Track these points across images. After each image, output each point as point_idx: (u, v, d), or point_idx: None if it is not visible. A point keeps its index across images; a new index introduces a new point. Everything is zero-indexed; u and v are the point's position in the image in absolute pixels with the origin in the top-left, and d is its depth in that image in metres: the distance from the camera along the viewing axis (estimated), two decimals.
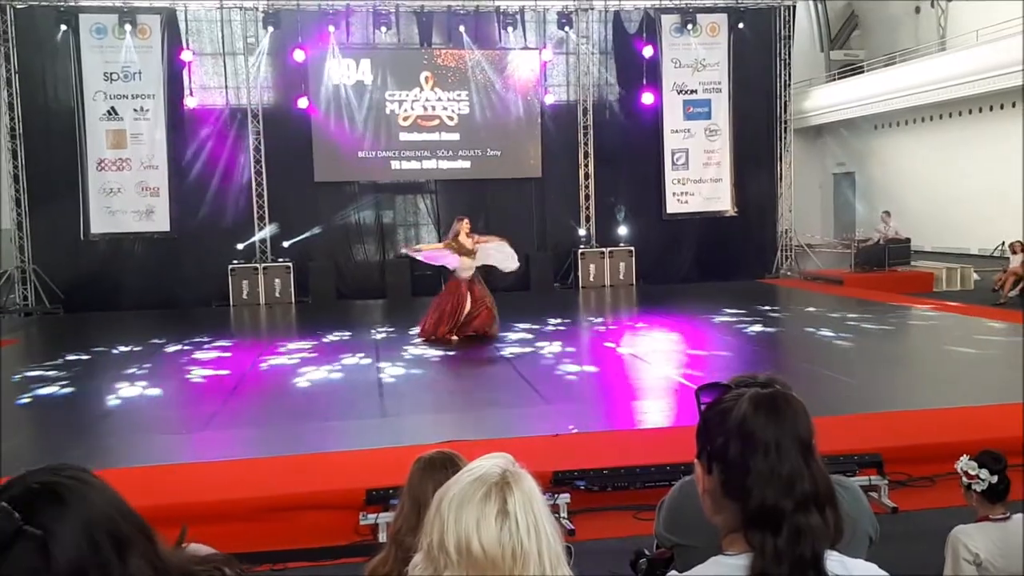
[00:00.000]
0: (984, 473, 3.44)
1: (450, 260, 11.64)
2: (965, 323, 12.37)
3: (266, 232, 17.16)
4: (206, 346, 11.79)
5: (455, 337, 11.39)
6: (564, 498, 5.36)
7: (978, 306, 13.77)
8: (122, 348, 11.72)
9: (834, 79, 24.03)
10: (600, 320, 14.17)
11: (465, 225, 11.59)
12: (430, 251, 12.37)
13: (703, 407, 1.47)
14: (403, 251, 12.16)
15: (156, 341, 12.16)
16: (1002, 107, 19.24)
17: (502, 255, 11.87)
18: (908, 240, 18.02)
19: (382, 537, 4.97)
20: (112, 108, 16.48)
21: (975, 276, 16.85)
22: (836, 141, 24.89)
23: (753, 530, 1.36)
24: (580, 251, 18.02)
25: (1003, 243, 15.53)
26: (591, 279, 17.96)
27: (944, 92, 19.03)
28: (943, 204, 20.30)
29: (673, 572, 1.50)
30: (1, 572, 1.11)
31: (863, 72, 23.12)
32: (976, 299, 14.83)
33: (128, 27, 16.22)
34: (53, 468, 1.22)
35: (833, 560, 1.38)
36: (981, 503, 3.50)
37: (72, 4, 16.35)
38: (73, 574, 1.13)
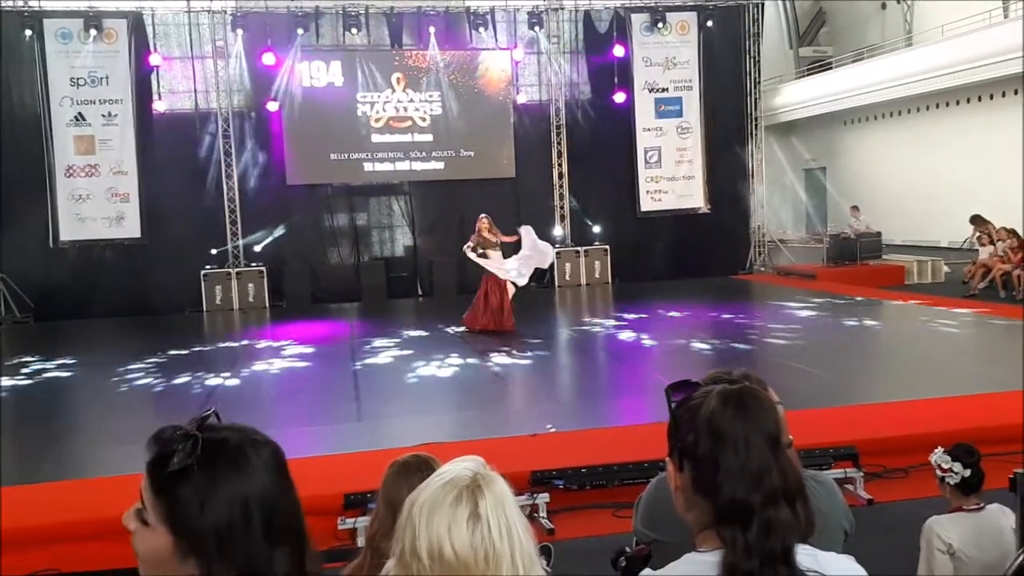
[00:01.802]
0: (958, 466, 3.48)
1: (494, 264, 12.14)
2: (937, 315, 12.51)
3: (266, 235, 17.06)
4: (185, 352, 11.68)
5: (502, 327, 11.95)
6: (543, 497, 5.36)
7: (949, 298, 13.93)
8: (99, 356, 11.57)
9: (803, 75, 24.24)
10: (579, 318, 14.18)
11: (486, 222, 12.22)
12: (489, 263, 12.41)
13: (673, 405, 1.46)
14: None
15: (132, 349, 12.03)
16: (968, 101, 19.48)
17: (540, 255, 12.50)
18: (879, 234, 18.20)
19: (360, 542, 4.94)
20: (79, 114, 16.27)
21: (945, 269, 17.05)
22: (806, 137, 25.10)
23: (724, 525, 1.37)
24: (556, 250, 18.02)
25: (973, 235, 15.75)
26: (567, 278, 18.00)
27: (911, 87, 19.24)
28: (913, 198, 20.53)
29: (647, 571, 1.49)
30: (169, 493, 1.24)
31: (832, 68, 23.32)
32: (947, 291, 15.00)
33: (94, 32, 16.02)
34: (250, 433, 1.33)
35: (804, 554, 1.38)
36: (955, 495, 3.54)
37: (36, 9, 16.12)
38: (217, 534, 1.23)
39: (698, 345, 10.93)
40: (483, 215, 12.51)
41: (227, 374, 10.03)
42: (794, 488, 1.39)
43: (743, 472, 1.37)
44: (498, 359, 10.35)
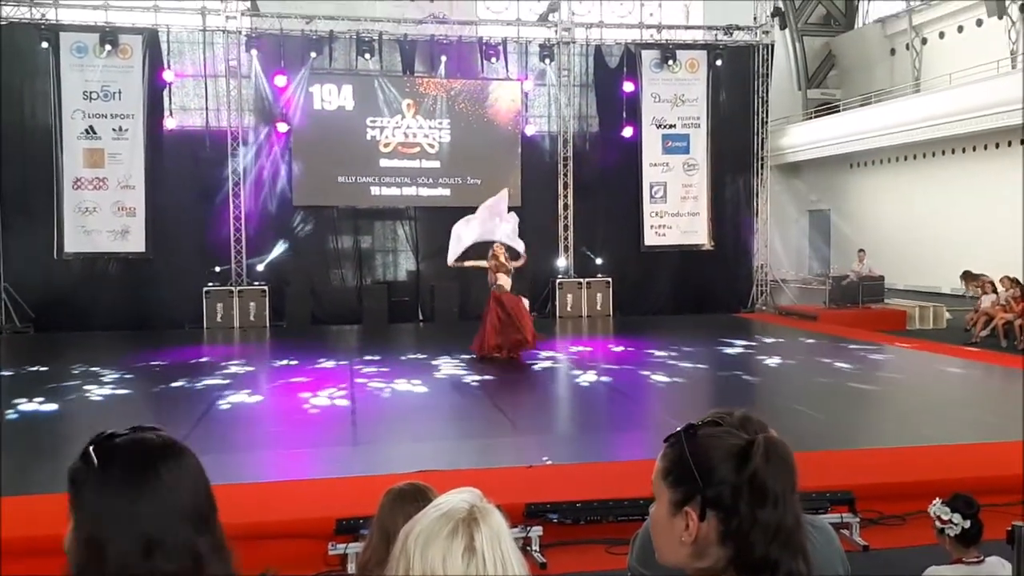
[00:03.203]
0: (957, 518, 3.45)
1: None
2: (937, 362, 12.47)
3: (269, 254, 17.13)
4: (182, 369, 11.65)
5: (501, 355, 12.08)
6: (536, 531, 5.32)
7: (950, 345, 13.88)
8: (93, 367, 11.55)
9: (811, 117, 24.38)
10: (577, 350, 14.15)
11: (502, 248, 12.51)
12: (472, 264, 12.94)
13: (689, 451, 1.40)
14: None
15: (130, 359, 12.01)
16: (974, 149, 19.58)
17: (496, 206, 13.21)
18: (882, 278, 18.20)
19: (351, 568, 4.90)
20: (90, 127, 16.37)
21: (947, 315, 17.04)
22: (812, 178, 25.19)
23: (746, 574, 1.35)
24: (558, 281, 18.06)
25: (967, 290, 15.80)
26: (568, 309, 17.99)
27: (918, 133, 19.35)
28: (917, 243, 20.57)
29: None
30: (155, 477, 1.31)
31: (839, 111, 23.48)
32: (948, 338, 14.96)
33: (109, 47, 16.16)
34: (156, 450, 1.37)
35: None
36: (955, 547, 3.51)
37: (53, 22, 16.28)
38: (188, 518, 1.32)
39: (696, 384, 10.89)
40: (497, 243, 12.64)
41: (226, 392, 10.00)
42: (802, 538, 1.39)
43: (780, 529, 1.35)
44: (493, 386, 10.32)
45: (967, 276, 15.61)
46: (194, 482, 1.36)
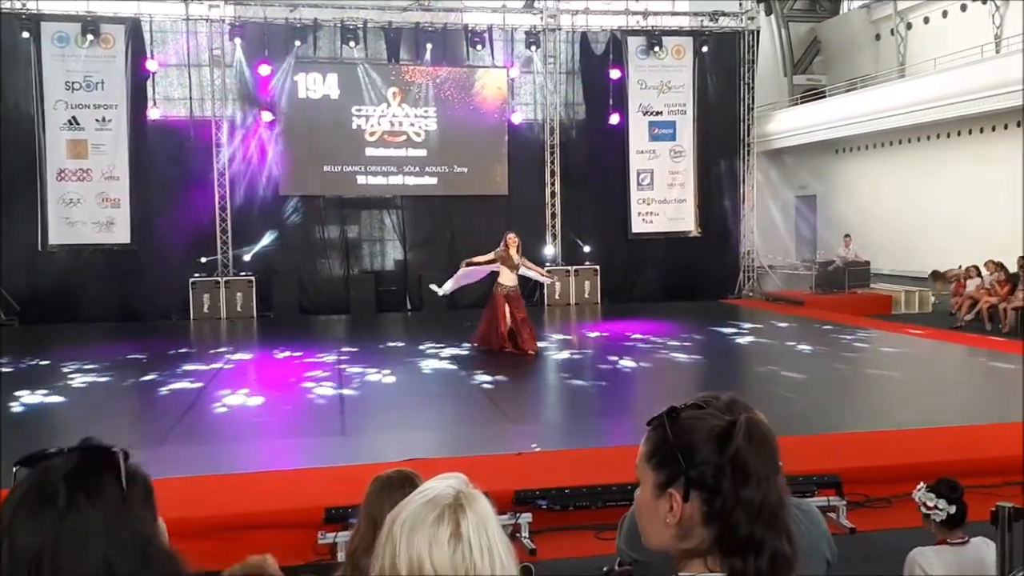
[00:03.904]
0: (942, 503, 3.48)
1: (482, 271, 12.15)
2: (923, 345, 12.56)
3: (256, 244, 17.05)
4: (169, 361, 11.61)
5: (507, 348, 11.81)
6: (526, 517, 5.34)
7: (935, 329, 14.00)
8: (83, 362, 11.49)
9: (797, 103, 24.39)
10: (566, 338, 14.17)
11: (514, 239, 11.99)
12: (475, 268, 12.32)
13: (672, 433, 1.40)
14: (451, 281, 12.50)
15: (119, 353, 11.96)
16: (959, 134, 19.64)
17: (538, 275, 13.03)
18: (868, 263, 18.30)
19: (341, 556, 4.91)
20: (73, 118, 16.23)
21: (932, 299, 17.15)
22: (798, 164, 25.21)
23: (732, 556, 1.35)
24: (546, 269, 18.03)
25: (959, 267, 15.90)
26: (556, 297, 18.00)
27: (903, 118, 19.38)
28: (902, 228, 20.64)
29: None
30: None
31: (825, 97, 23.50)
32: (933, 322, 15.08)
33: (91, 36, 16.01)
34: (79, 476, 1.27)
35: None
36: (940, 529, 3.54)
37: (34, 12, 16.11)
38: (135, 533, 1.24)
39: (683, 369, 10.94)
40: (512, 233, 12.17)
41: (213, 384, 9.98)
42: (787, 519, 1.40)
43: (763, 508, 1.36)
44: (483, 376, 10.33)
45: (935, 276, 15.80)
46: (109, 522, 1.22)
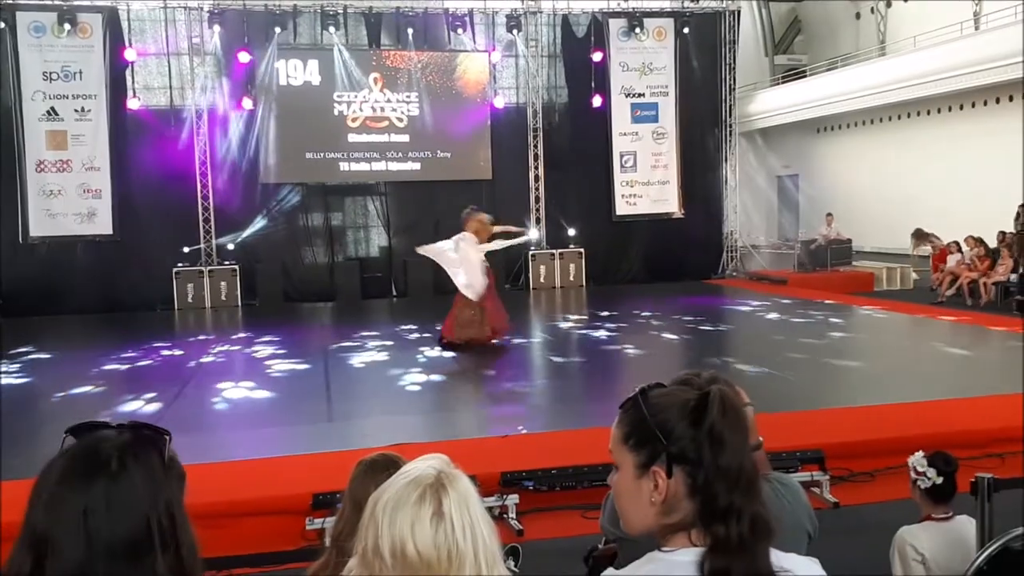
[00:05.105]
0: (931, 472, 3.52)
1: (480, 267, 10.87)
2: (904, 321, 12.67)
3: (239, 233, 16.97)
4: (151, 350, 11.57)
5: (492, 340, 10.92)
6: (513, 499, 5.38)
7: (917, 304, 14.12)
8: (65, 351, 11.44)
9: (778, 83, 24.44)
10: (552, 322, 14.20)
11: (485, 216, 11.19)
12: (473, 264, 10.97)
13: (649, 411, 1.43)
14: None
15: (100, 344, 11.91)
16: (939, 111, 19.74)
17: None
18: (849, 241, 18.42)
19: (329, 542, 4.93)
20: (52, 108, 16.08)
21: (914, 276, 17.29)
22: (780, 144, 25.30)
23: (715, 523, 1.38)
24: (531, 252, 18.07)
25: (915, 248, 16.12)
26: (541, 280, 18.04)
27: (884, 96, 19.47)
28: (883, 205, 20.76)
29: (610, 570, 1.50)
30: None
31: (806, 76, 23.55)
32: (915, 298, 15.21)
33: (68, 26, 15.84)
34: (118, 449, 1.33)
35: (772, 555, 1.41)
36: (925, 501, 3.58)
37: (9, 1, 15.91)
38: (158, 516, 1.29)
39: (665, 348, 10.97)
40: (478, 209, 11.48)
41: (200, 372, 9.96)
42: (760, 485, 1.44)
43: (740, 475, 1.39)
44: (468, 359, 10.35)
45: (917, 234, 15.89)
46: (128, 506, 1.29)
